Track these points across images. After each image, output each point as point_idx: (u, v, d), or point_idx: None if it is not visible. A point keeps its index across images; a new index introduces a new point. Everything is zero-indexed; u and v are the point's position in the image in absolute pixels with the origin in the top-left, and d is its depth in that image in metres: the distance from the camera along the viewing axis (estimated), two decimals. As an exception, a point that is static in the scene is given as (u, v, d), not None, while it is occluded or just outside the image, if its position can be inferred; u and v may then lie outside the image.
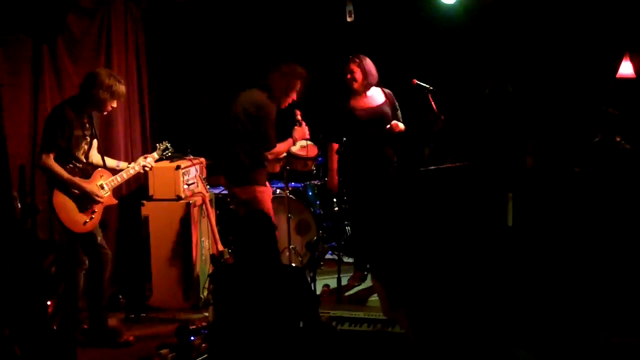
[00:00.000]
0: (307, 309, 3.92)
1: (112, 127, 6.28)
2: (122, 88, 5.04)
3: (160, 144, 5.61)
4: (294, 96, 5.66)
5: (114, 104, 5.08)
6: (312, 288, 5.38)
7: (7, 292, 4.59)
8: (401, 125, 5.96)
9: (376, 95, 6.03)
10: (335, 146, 6.03)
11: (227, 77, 7.81)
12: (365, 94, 6.00)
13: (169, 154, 5.67)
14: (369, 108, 5.97)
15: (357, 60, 5.92)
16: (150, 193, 5.94)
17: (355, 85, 5.93)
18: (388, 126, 5.90)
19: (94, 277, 5.13)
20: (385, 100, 6.03)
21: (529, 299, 5.40)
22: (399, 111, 6.09)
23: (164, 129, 7.02)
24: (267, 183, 5.78)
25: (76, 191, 4.92)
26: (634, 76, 6.71)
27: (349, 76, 5.93)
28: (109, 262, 5.17)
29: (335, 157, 6.10)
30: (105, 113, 5.18)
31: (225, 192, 6.77)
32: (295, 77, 5.62)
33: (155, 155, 5.51)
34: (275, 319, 3.80)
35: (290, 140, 5.79)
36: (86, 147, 5.04)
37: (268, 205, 5.62)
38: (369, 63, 5.94)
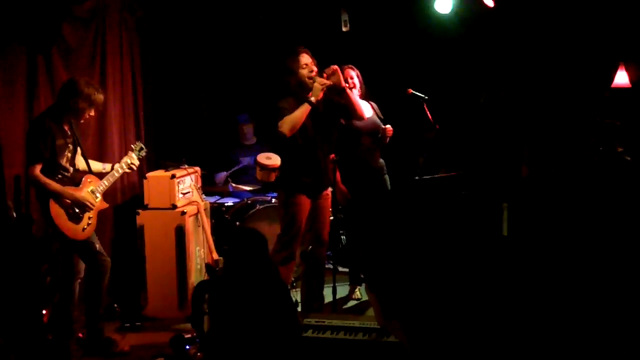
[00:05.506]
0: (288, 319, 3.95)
1: (107, 135, 6.28)
2: (100, 97, 5.02)
3: (135, 145, 5.57)
4: (305, 64, 5.36)
5: (92, 113, 5.04)
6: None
7: (2, 302, 4.59)
8: (390, 127, 5.90)
9: (365, 107, 5.80)
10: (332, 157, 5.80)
11: (223, 86, 7.82)
12: None
13: (144, 154, 5.61)
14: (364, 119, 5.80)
15: (354, 69, 5.88)
16: (146, 202, 5.93)
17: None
18: (386, 126, 5.86)
19: (92, 284, 5.11)
20: (374, 113, 5.97)
21: (524, 310, 5.41)
22: (382, 120, 6.00)
23: (158, 138, 7.03)
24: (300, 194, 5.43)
25: (68, 201, 4.92)
26: (630, 86, 6.74)
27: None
28: (107, 269, 5.15)
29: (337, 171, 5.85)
30: (82, 121, 5.12)
31: (221, 201, 6.78)
32: (293, 58, 5.39)
33: (133, 155, 5.46)
34: (268, 328, 3.81)
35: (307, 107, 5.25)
36: (69, 154, 5.01)
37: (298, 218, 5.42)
38: (359, 75, 5.91)
